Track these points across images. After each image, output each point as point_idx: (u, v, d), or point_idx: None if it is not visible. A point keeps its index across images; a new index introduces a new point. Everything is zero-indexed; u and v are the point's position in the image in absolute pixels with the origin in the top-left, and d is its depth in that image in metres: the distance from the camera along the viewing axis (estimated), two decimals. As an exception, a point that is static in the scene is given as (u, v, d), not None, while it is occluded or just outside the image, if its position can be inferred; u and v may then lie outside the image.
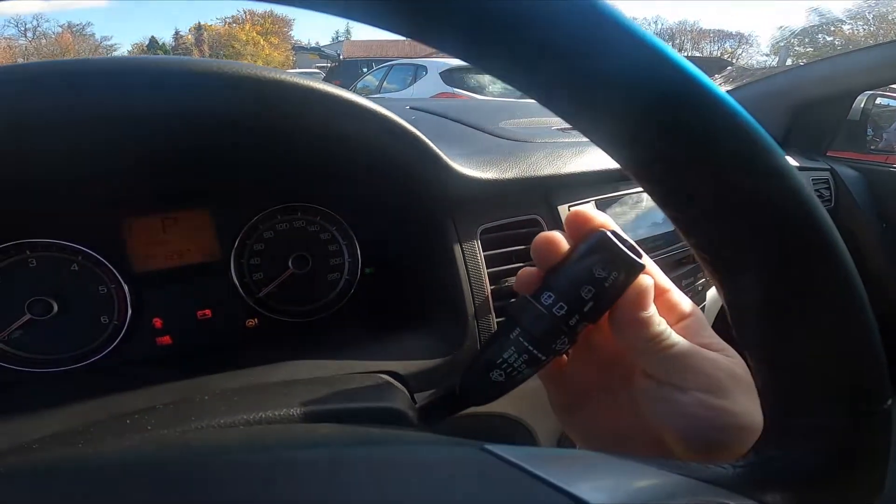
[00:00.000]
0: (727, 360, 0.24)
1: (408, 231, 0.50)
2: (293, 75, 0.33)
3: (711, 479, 0.18)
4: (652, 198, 0.17)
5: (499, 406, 0.51)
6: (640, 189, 0.47)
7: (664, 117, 0.14)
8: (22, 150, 0.36)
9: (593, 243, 0.24)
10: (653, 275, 0.26)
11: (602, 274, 0.24)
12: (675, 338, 0.24)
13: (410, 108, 0.73)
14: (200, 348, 0.49)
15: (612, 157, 0.16)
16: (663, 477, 0.18)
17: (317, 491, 0.14)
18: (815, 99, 1.18)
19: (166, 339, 0.48)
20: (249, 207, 0.50)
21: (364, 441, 0.18)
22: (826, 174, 1.19)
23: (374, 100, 0.38)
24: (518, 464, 0.16)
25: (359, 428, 0.23)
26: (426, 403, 0.31)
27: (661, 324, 0.24)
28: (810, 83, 1.18)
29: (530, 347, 0.25)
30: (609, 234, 0.24)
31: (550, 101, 0.16)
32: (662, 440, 0.26)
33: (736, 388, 0.24)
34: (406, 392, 0.36)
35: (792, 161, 1.07)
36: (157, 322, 0.48)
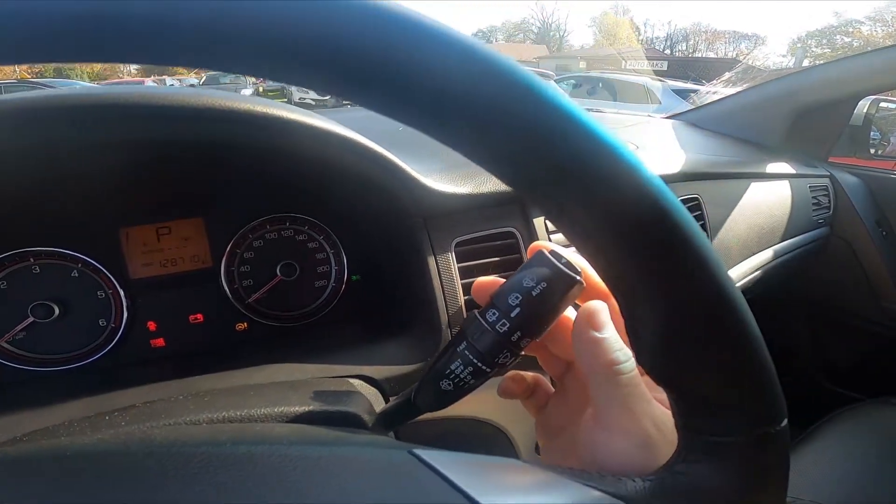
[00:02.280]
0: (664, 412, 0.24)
1: (387, 242, 0.52)
2: (269, 105, 0.36)
3: (619, 493, 0.20)
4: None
5: (477, 411, 0.54)
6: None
7: (533, 145, 0.16)
8: (27, 170, 0.39)
9: (530, 259, 0.26)
10: (594, 282, 0.28)
11: (530, 283, 0.26)
12: (631, 372, 0.24)
13: (401, 118, 0.75)
14: (192, 351, 0.51)
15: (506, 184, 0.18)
16: (573, 488, 0.20)
17: (244, 482, 0.16)
18: (816, 103, 1.16)
19: (160, 342, 0.51)
20: (239, 218, 0.53)
21: (307, 441, 0.20)
22: (825, 181, 1.18)
23: None
24: (436, 468, 0.18)
25: (310, 428, 0.25)
26: (385, 409, 0.33)
27: (617, 352, 0.24)
28: (811, 87, 1.16)
29: (475, 360, 0.27)
30: (546, 251, 0.26)
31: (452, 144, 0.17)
32: None
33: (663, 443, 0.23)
34: (367, 397, 0.38)
35: (789, 168, 1.07)
36: (152, 325, 0.50)
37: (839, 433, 0.88)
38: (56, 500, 0.16)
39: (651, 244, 0.17)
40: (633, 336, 0.19)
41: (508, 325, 0.26)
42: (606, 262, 0.18)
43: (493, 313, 0.27)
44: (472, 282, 0.48)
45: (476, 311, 0.28)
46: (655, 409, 0.24)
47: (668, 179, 0.76)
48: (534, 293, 0.26)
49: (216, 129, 0.35)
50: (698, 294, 0.18)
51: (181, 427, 0.30)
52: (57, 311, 0.46)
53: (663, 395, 0.22)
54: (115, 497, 0.16)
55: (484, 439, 0.55)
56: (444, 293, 0.46)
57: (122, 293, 0.49)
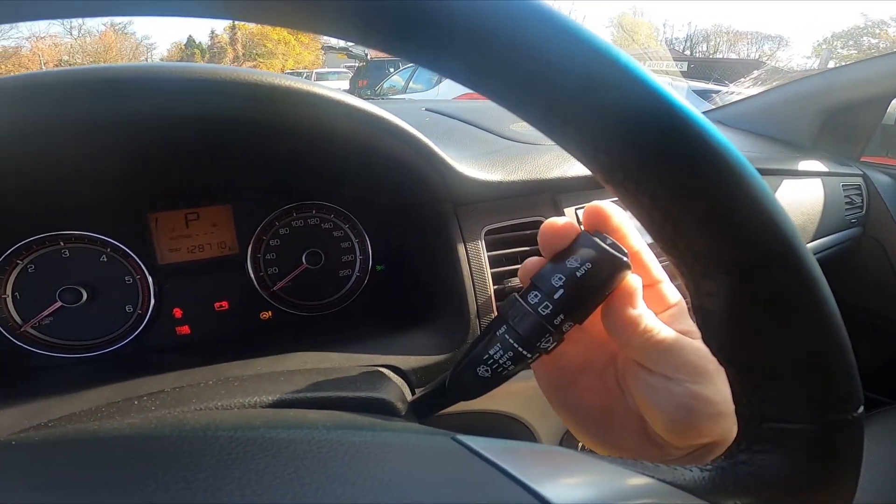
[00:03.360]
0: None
1: (415, 230, 0.52)
2: (305, 83, 0.35)
3: (677, 483, 0.19)
4: (620, 200, 0.18)
5: (502, 405, 0.53)
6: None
7: (623, 126, 0.15)
8: (58, 151, 0.39)
9: (574, 239, 0.25)
10: (647, 266, 0.27)
11: (574, 264, 0.24)
12: (664, 331, 0.25)
13: (426, 109, 0.75)
14: (217, 338, 0.51)
15: (582, 163, 0.17)
16: (628, 478, 0.18)
17: (286, 467, 0.15)
18: (847, 102, 1.14)
19: (185, 329, 0.51)
20: (267, 205, 0.53)
21: (344, 426, 0.19)
22: (858, 180, 1.15)
23: (397, 100, 0.39)
24: (485, 455, 0.17)
25: (344, 414, 0.24)
26: (418, 397, 0.32)
27: (650, 318, 0.25)
28: (843, 86, 1.14)
29: (515, 345, 0.26)
30: (590, 233, 0.25)
31: (520, 112, 0.17)
32: (644, 419, 0.27)
33: (717, 376, 0.25)
34: (399, 385, 0.37)
35: (821, 166, 1.04)
36: (178, 312, 0.50)
37: (869, 437, 0.84)
38: (87, 484, 0.15)
39: (724, 211, 0.16)
40: (700, 312, 0.18)
41: (551, 307, 0.25)
42: (674, 232, 0.17)
43: (535, 295, 0.25)
44: (502, 271, 0.47)
45: (516, 294, 0.27)
46: (698, 346, 0.25)
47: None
48: (578, 274, 0.25)
49: (249, 104, 0.35)
50: (773, 263, 0.16)
51: (213, 412, 0.29)
52: (85, 295, 0.47)
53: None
54: (153, 480, 0.15)
55: (507, 434, 0.54)
56: (473, 282, 0.45)
57: (149, 279, 0.49)
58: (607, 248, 0.24)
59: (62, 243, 0.47)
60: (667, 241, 0.17)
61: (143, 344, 0.49)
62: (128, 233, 0.49)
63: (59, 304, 0.46)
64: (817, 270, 0.17)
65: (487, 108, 0.74)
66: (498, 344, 0.26)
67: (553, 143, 0.18)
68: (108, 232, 0.48)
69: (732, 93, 1.59)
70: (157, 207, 0.50)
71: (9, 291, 0.45)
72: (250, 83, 0.34)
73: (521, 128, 0.66)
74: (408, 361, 0.43)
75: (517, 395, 0.51)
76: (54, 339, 0.47)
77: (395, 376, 0.40)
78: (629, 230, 0.26)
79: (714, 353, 0.19)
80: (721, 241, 0.16)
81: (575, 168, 0.51)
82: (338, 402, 0.31)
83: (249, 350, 0.45)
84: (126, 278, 0.49)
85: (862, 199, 1.14)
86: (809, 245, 0.97)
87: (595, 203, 0.27)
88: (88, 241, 0.47)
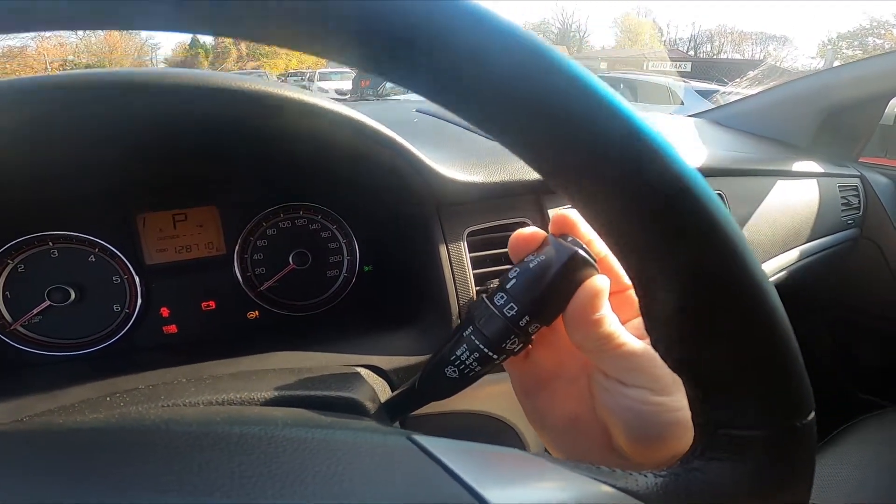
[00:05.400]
0: None
1: (399, 232, 0.52)
2: (284, 88, 0.36)
3: (629, 489, 0.19)
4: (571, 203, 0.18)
5: (488, 407, 0.53)
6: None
7: (556, 125, 0.15)
8: (48, 153, 0.39)
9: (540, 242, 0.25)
10: (615, 272, 0.27)
11: (535, 264, 0.25)
12: (624, 337, 0.25)
13: (416, 110, 0.75)
14: (204, 338, 0.51)
15: (529, 165, 0.17)
16: (580, 482, 0.18)
17: (230, 462, 0.15)
18: (845, 102, 1.13)
19: (172, 328, 0.51)
20: (254, 205, 0.53)
21: (302, 424, 0.20)
22: (855, 181, 1.14)
23: (392, 101, 0.40)
24: (434, 455, 0.17)
25: (308, 413, 0.24)
26: (390, 398, 0.32)
27: (612, 324, 0.25)
28: (841, 85, 1.13)
29: (481, 346, 0.26)
30: (554, 235, 0.25)
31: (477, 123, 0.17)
32: (609, 432, 0.27)
33: (677, 386, 0.24)
34: (371, 385, 0.38)
35: (817, 167, 1.04)
36: (165, 311, 0.51)
37: (862, 440, 0.84)
38: (30, 474, 0.16)
39: (669, 214, 0.16)
40: (648, 317, 0.18)
41: (516, 308, 0.25)
42: (619, 234, 0.17)
43: (501, 297, 0.26)
44: (485, 272, 0.47)
45: (484, 295, 0.27)
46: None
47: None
48: (531, 265, 0.25)
49: (233, 110, 0.35)
50: (720, 269, 0.16)
51: (178, 408, 0.30)
52: (73, 295, 0.47)
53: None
54: (91, 470, 0.15)
55: (493, 435, 0.55)
56: (455, 283, 0.45)
57: (136, 279, 0.49)
58: (564, 242, 0.25)
59: (51, 243, 0.47)
60: (613, 241, 0.17)
61: (130, 343, 0.49)
62: (116, 233, 0.49)
63: (47, 303, 0.46)
64: (763, 276, 0.17)
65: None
66: (464, 345, 0.26)
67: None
68: (96, 232, 0.48)
69: (730, 92, 1.58)
70: (144, 208, 0.50)
71: None
72: (244, 91, 0.34)
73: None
74: (391, 362, 0.43)
75: (503, 396, 0.51)
76: (43, 338, 0.47)
77: (373, 376, 0.40)
78: (596, 235, 0.26)
79: (663, 359, 0.19)
80: (663, 244, 0.16)
81: (559, 170, 0.51)
82: (307, 401, 0.32)
83: (236, 349, 0.45)
84: (114, 278, 0.49)
85: (859, 201, 1.13)
86: (804, 246, 0.96)
87: (561, 210, 0.27)
88: (77, 242, 0.48)
